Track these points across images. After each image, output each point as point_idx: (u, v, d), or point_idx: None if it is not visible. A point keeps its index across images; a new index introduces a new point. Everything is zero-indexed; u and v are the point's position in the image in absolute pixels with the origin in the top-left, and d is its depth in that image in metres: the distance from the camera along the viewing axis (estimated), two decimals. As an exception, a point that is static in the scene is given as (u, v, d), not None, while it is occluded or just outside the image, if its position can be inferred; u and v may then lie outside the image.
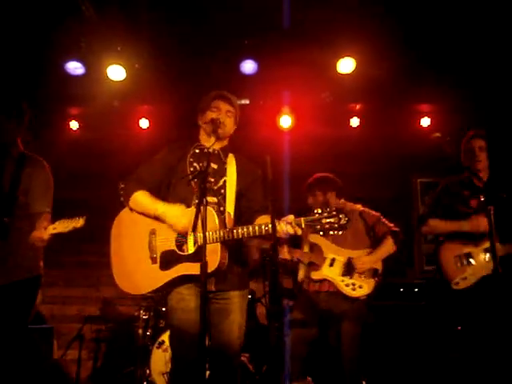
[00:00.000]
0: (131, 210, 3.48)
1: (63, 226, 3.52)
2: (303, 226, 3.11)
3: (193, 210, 3.09)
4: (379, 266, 4.79)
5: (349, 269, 4.73)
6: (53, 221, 3.62)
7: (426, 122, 7.36)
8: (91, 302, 7.07)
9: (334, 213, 3.07)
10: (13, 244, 3.72)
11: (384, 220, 4.94)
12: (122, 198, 3.48)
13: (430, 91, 6.86)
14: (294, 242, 4.97)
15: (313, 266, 4.84)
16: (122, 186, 3.48)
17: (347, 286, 4.69)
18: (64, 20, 5.55)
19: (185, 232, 3.26)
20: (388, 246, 4.81)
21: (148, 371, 5.42)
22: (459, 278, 4.36)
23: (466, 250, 4.39)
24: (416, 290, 6.09)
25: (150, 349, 5.47)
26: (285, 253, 4.83)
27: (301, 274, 4.95)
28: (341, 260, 4.78)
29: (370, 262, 4.74)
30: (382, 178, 7.30)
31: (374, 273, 4.75)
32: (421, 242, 6.89)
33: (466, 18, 5.58)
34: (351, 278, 4.72)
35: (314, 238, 4.84)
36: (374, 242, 4.90)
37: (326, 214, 3.07)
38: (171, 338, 3.45)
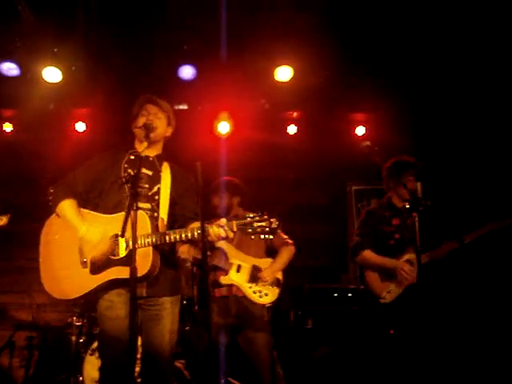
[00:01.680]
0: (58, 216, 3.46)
1: None
2: (235, 229, 3.15)
3: (122, 214, 3.09)
4: (280, 276, 4.91)
5: (254, 276, 4.82)
6: None
7: (361, 130, 7.46)
8: (23, 309, 6.89)
9: (266, 217, 3.12)
10: None
11: (279, 231, 4.94)
12: (50, 204, 3.46)
13: (366, 101, 7.02)
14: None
15: (218, 270, 4.88)
16: (52, 190, 3.44)
17: (254, 292, 4.79)
18: (-1, 20, 5.45)
19: (98, 258, 3.26)
20: (285, 257, 4.95)
21: (81, 378, 5.34)
22: (385, 293, 4.56)
23: None
24: (350, 294, 6.21)
25: (83, 356, 5.39)
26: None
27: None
28: (246, 267, 4.85)
29: (273, 272, 4.84)
30: (317, 185, 7.41)
31: (277, 282, 4.86)
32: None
33: (402, 29, 5.74)
34: (257, 285, 4.81)
35: (219, 243, 4.82)
36: (269, 252, 5.01)
37: (257, 218, 3.12)
38: (100, 345, 3.45)
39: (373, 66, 6.27)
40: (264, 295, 4.78)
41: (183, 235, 3.18)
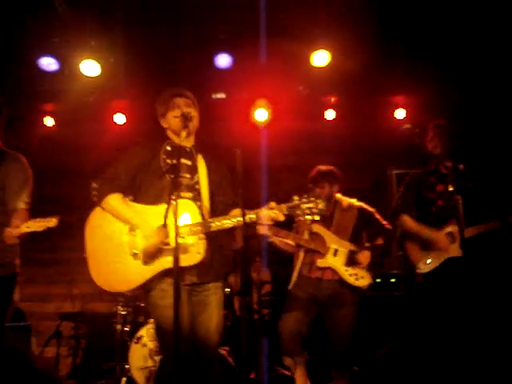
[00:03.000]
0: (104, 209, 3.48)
1: (37, 226, 3.55)
2: (285, 211, 3.27)
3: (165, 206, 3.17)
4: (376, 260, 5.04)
5: (351, 260, 4.92)
6: (30, 217, 3.63)
7: (400, 113, 7.37)
8: (69, 299, 7.03)
9: (312, 198, 3.25)
10: None
11: (378, 216, 5.15)
12: (94, 199, 3.46)
13: (405, 83, 6.90)
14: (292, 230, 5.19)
15: (316, 254, 5.00)
16: (95, 185, 3.46)
17: (351, 275, 4.89)
18: (37, 15, 5.51)
19: (155, 246, 3.29)
20: (381, 242, 5.06)
21: (127, 366, 5.43)
22: (422, 263, 4.57)
23: None
24: (393, 280, 6.16)
25: (129, 344, 5.47)
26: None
27: (299, 261, 5.09)
28: (343, 251, 4.95)
29: (369, 256, 4.94)
30: (357, 170, 7.32)
31: (372, 266, 4.96)
32: (397, 233, 6.95)
33: (439, 10, 5.63)
34: (354, 268, 4.91)
35: (317, 228, 5.00)
36: (369, 237, 5.12)
37: (304, 200, 3.25)
38: (158, 335, 3.48)
39: (410, 47, 6.17)
40: (360, 278, 4.89)
41: (229, 222, 3.28)
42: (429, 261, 4.55)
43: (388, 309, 5.98)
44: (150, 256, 3.31)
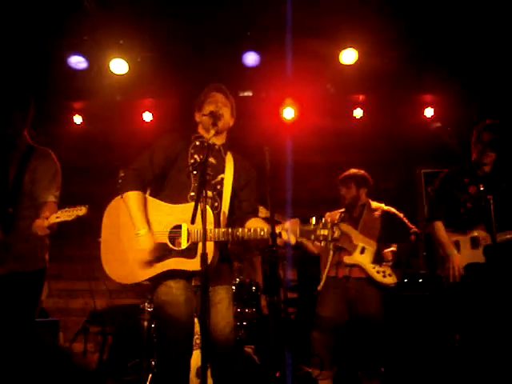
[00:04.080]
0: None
1: (66, 215, 3.54)
2: (298, 234, 3.17)
3: (187, 205, 3.20)
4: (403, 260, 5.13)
5: (378, 258, 5.01)
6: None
7: (429, 112, 7.31)
8: (96, 295, 7.08)
9: (329, 225, 3.14)
10: (18, 233, 3.73)
11: (406, 220, 5.22)
12: (118, 186, 3.39)
13: (433, 81, 6.84)
14: None
15: (343, 252, 5.10)
16: (122, 174, 3.42)
17: (378, 272, 4.98)
18: (66, 14, 5.56)
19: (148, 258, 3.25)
20: (406, 244, 5.15)
21: (153, 363, 5.44)
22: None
23: (454, 238, 4.54)
24: (420, 280, 6.11)
25: (155, 341, 5.48)
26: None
27: (328, 259, 5.16)
28: (370, 249, 5.05)
29: (396, 253, 5.04)
30: (385, 169, 7.29)
31: (399, 264, 5.06)
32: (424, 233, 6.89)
33: (468, 7, 5.56)
34: (381, 266, 5.01)
35: (344, 227, 5.05)
36: (396, 239, 5.17)
37: (321, 226, 3.14)
38: (159, 331, 3.39)
39: (438, 46, 6.11)
40: (388, 275, 4.99)
41: (246, 233, 3.19)
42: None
43: (415, 309, 5.92)
44: (157, 255, 3.26)
